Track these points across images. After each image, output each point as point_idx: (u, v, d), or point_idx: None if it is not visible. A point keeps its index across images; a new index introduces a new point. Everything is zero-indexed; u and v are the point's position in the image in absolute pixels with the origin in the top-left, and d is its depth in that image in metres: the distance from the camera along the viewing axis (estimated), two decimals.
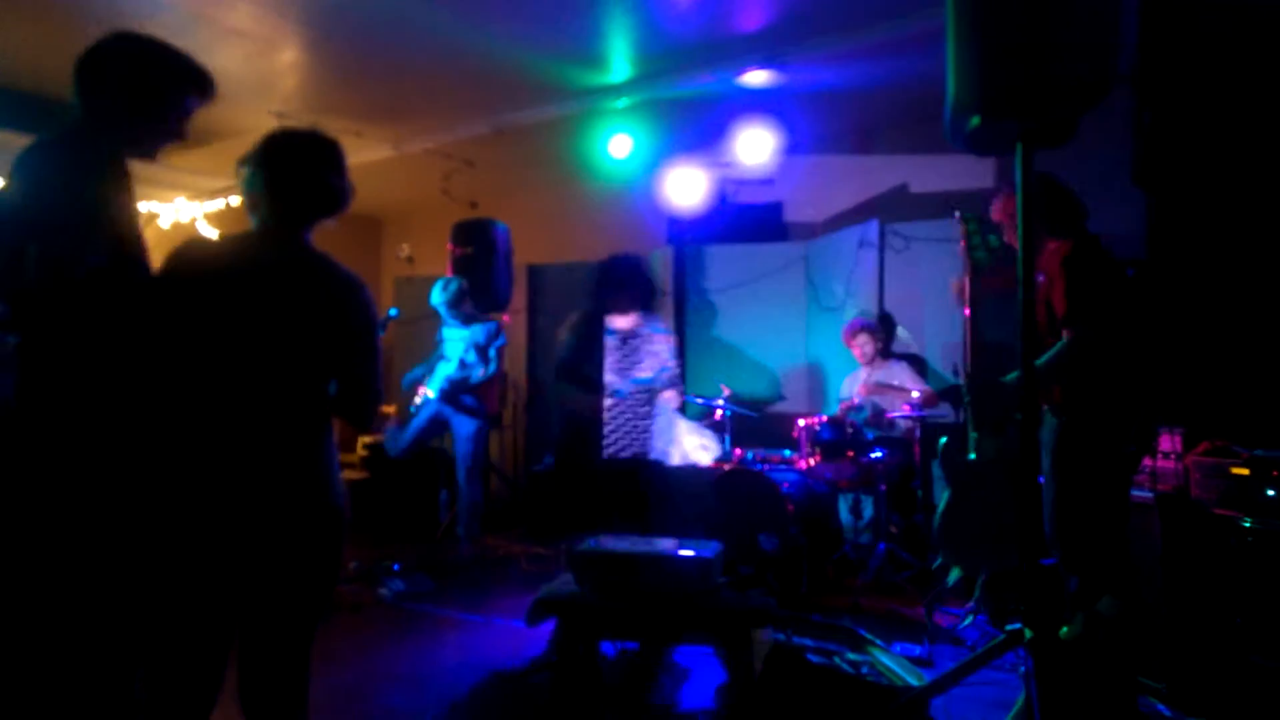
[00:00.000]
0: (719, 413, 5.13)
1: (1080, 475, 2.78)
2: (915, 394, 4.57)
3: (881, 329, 5.12)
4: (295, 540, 1.75)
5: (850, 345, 5.09)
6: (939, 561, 4.03)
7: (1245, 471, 2.82)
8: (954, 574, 3.81)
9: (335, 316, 1.79)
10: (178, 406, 1.71)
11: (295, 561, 1.76)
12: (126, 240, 1.80)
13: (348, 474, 6.57)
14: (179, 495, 1.68)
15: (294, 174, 1.82)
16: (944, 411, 4.92)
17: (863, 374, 5.08)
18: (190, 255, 1.79)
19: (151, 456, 1.70)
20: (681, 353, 5.95)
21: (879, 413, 4.84)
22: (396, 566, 4.79)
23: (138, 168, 1.89)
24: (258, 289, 1.73)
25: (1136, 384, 2.84)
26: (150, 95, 1.89)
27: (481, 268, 5.51)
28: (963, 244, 4.00)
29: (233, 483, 1.69)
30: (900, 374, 4.93)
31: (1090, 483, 2.75)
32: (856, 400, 4.96)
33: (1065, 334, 2.79)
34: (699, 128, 5.73)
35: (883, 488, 4.53)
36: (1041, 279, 2.94)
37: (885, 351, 5.11)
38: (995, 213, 3.19)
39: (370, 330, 1.86)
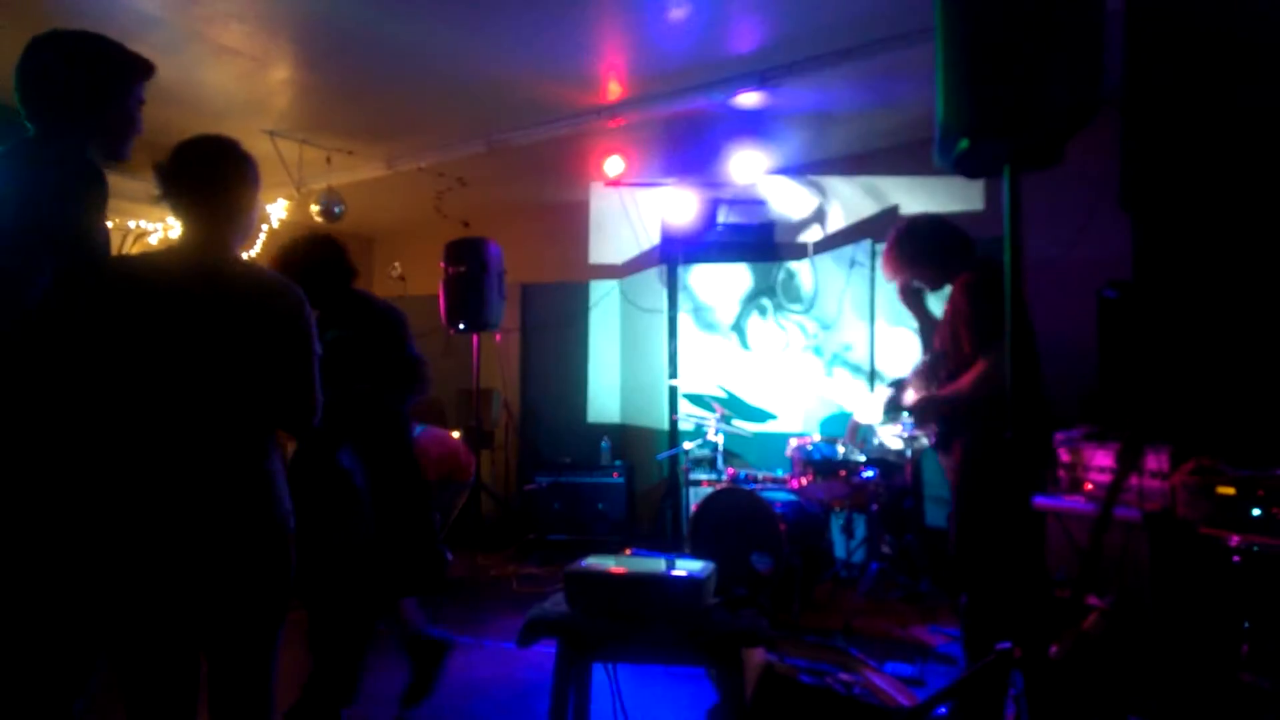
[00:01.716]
0: (712, 431, 5.13)
1: (982, 496, 2.77)
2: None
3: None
4: (238, 557, 1.72)
5: None
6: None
7: (1232, 490, 2.83)
8: None
9: (258, 324, 1.75)
10: (109, 426, 1.68)
11: (240, 579, 1.73)
12: (95, 254, 1.74)
13: None
14: (115, 517, 1.65)
15: (183, 188, 1.79)
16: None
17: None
18: (114, 274, 1.75)
19: (83, 478, 1.66)
20: (674, 371, 5.97)
21: (869, 434, 4.84)
22: None
23: (128, 186, 1.86)
24: (177, 303, 1.70)
25: (1038, 407, 2.81)
26: (107, 92, 1.81)
27: (474, 287, 5.51)
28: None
29: (169, 501, 1.67)
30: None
31: (991, 504, 2.74)
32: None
33: (981, 361, 2.74)
34: (692, 148, 5.77)
35: (875, 507, 4.53)
36: (948, 308, 2.95)
37: None
38: (885, 273, 3.20)
39: (300, 335, 1.79)
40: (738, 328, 6.28)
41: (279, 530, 1.79)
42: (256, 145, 5.47)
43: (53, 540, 1.65)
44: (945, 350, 2.96)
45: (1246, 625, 2.75)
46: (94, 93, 1.81)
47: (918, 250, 3.03)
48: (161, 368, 1.68)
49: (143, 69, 1.90)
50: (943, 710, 2.59)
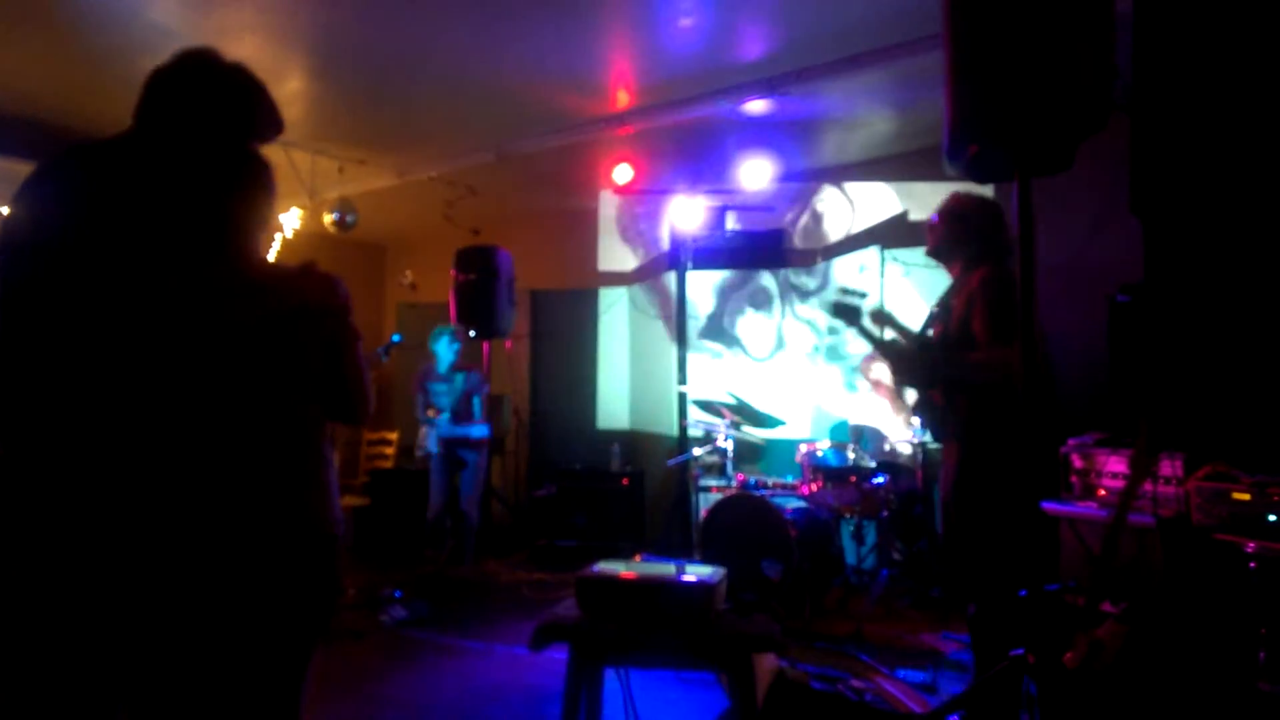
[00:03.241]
0: (721, 437, 5.13)
1: (978, 504, 2.76)
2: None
3: None
4: (259, 568, 1.56)
5: (869, 374, 5.03)
6: None
7: (1247, 496, 2.81)
8: None
9: (283, 319, 1.65)
10: (116, 425, 1.54)
11: (266, 592, 1.56)
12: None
13: (348, 499, 6.57)
14: (111, 518, 1.50)
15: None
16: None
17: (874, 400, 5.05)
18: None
19: (86, 481, 1.52)
20: (684, 377, 5.97)
21: (880, 439, 4.85)
22: (398, 593, 4.77)
23: None
24: (201, 304, 1.60)
25: (1042, 416, 2.76)
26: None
27: (484, 294, 5.54)
28: None
29: (171, 503, 1.52)
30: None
31: (987, 513, 2.72)
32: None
33: (999, 348, 2.67)
34: (701, 155, 5.78)
35: (885, 514, 4.51)
36: (956, 301, 2.92)
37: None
38: (936, 213, 3.12)
39: (329, 319, 1.71)
40: (746, 334, 6.28)
41: (317, 539, 1.62)
42: (270, 155, 5.50)
43: (61, 550, 1.52)
44: (944, 339, 2.93)
45: (1263, 632, 2.72)
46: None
47: (963, 232, 2.99)
48: (178, 366, 1.57)
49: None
50: (954, 718, 2.58)
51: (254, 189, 1.79)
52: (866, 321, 3.15)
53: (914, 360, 2.97)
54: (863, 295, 3.20)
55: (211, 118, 1.75)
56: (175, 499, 1.52)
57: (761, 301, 6.31)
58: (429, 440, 5.47)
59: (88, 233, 1.60)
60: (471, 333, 5.38)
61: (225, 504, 1.54)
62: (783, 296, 6.19)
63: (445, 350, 5.53)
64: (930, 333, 3.02)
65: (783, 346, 6.15)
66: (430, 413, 5.46)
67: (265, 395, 1.63)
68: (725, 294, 6.43)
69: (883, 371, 4.99)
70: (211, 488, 1.53)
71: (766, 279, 6.25)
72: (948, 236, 3.03)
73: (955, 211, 3.05)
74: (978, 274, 2.85)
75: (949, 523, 2.89)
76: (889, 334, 3.21)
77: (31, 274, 1.60)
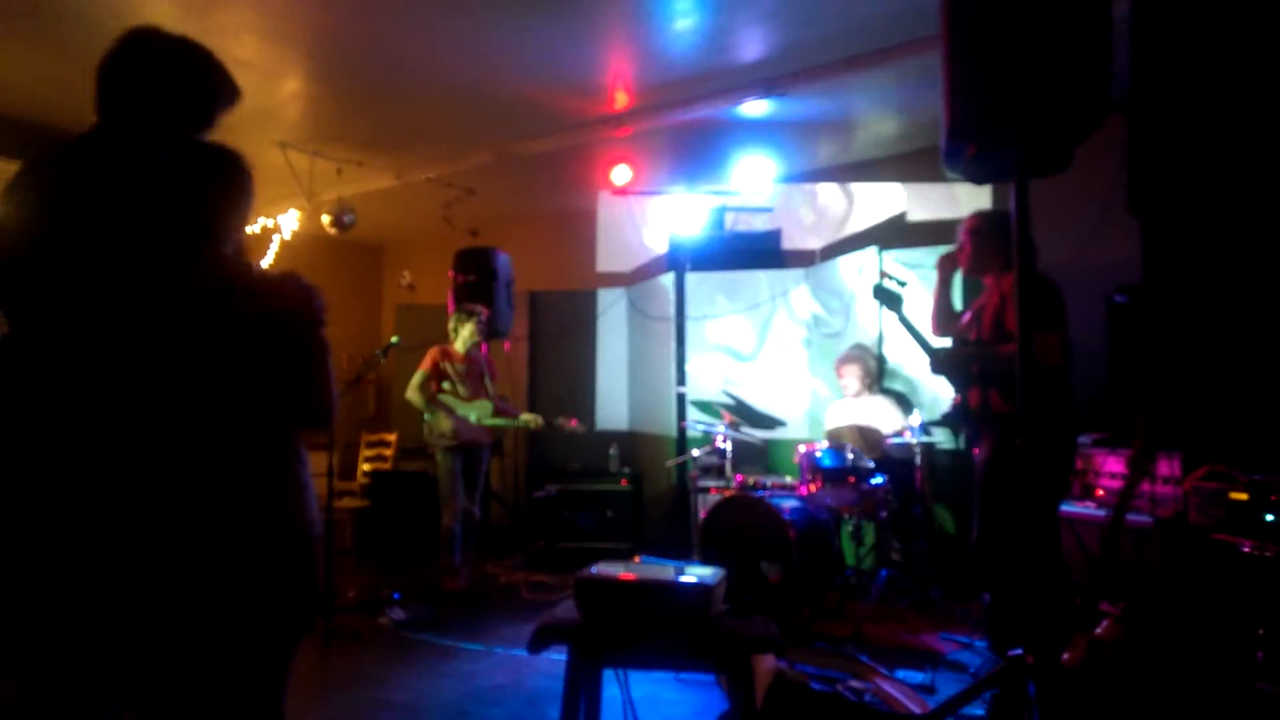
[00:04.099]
0: (720, 438, 5.13)
1: (1007, 495, 2.82)
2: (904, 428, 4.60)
3: (873, 362, 5.16)
4: (238, 568, 1.56)
5: (840, 375, 5.14)
6: None
7: (1245, 496, 2.81)
8: None
9: (251, 325, 1.65)
10: (90, 432, 1.54)
11: (245, 592, 1.56)
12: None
13: (348, 501, 6.56)
14: (89, 524, 1.50)
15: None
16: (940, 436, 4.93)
17: (847, 405, 5.11)
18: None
19: (64, 483, 1.52)
20: (682, 378, 5.98)
21: (874, 441, 4.85)
22: (397, 595, 4.77)
23: None
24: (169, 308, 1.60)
25: (1070, 406, 2.91)
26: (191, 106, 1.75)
27: (483, 295, 5.54)
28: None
29: (152, 508, 1.51)
30: (879, 411, 4.97)
31: (1017, 503, 2.79)
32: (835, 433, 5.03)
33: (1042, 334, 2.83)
34: (698, 156, 5.79)
35: (884, 514, 4.51)
36: (988, 303, 3.08)
37: (873, 386, 5.14)
38: (962, 234, 3.30)
39: (302, 329, 1.71)
40: (745, 334, 6.28)
41: (292, 540, 1.64)
42: (268, 156, 5.53)
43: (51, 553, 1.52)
44: (985, 337, 3.06)
45: (1261, 632, 2.73)
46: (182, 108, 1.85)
47: (990, 246, 3.18)
48: (154, 367, 1.56)
49: (234, 94, 1.98)
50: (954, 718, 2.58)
51: (230, 190, 1.78)
52: (906, 310, 3.28)
53: (955, 354, 3.09)
54: (903, 284, 3.35)
55: (169, 98, 1.73)
56: (152, 500, 1.52)
57: (756, 301, 6.31)
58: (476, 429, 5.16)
59: (61, 239, 1.59)
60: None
61: (202, 504, 1.54)
62: (781, 306, 6.18)
63: (474, 333, 5.24)
64: (970, 337, 3.16)
65: (779, 346, 6.15)
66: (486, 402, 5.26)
67: (240, 397, 1.62)
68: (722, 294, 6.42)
69: (855, 373, 5.04)
70: (188, 488, 1.53)
71: (761, 278, 6.24)
72: (979, 252, 3.22)
73: (980, 229, 3.22)
74: (1009, 278, 2.99)
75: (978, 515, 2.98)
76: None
77: (6, 280, 1.60)
